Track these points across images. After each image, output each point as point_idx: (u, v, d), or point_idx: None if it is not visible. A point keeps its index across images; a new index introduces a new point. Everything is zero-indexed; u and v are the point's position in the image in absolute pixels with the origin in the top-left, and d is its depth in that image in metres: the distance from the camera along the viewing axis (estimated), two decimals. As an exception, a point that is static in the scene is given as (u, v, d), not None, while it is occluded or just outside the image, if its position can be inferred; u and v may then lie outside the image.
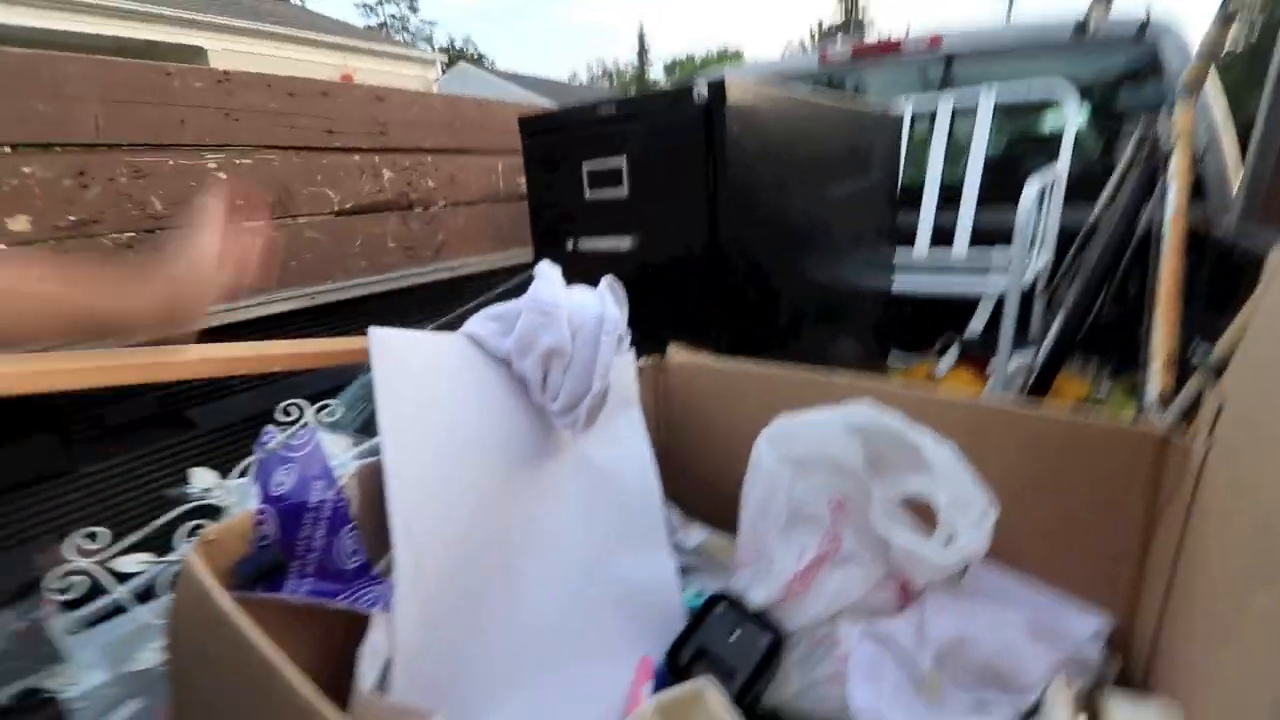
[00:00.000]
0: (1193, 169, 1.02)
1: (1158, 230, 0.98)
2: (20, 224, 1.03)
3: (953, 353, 1.78)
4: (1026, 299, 1.65)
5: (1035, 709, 0.47)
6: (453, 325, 0.69)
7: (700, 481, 0.75)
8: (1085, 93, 1.89)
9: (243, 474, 1.00)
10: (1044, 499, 0.55)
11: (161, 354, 0.95)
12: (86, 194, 1.09)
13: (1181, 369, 0.85)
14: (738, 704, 0.48)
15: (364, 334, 0.73)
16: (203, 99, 1.23)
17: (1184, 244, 0.93)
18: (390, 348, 0.51)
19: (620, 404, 0.70)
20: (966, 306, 1.85)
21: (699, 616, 0.58)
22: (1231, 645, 0.34)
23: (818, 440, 0.57)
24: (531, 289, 0.59)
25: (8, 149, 1.03)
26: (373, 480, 0.54)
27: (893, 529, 0.52)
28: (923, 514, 0.55)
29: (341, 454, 0.92)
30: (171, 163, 1.19)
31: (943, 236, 1.73)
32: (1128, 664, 0.51)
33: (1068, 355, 1.17)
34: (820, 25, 30.23)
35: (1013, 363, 1.42)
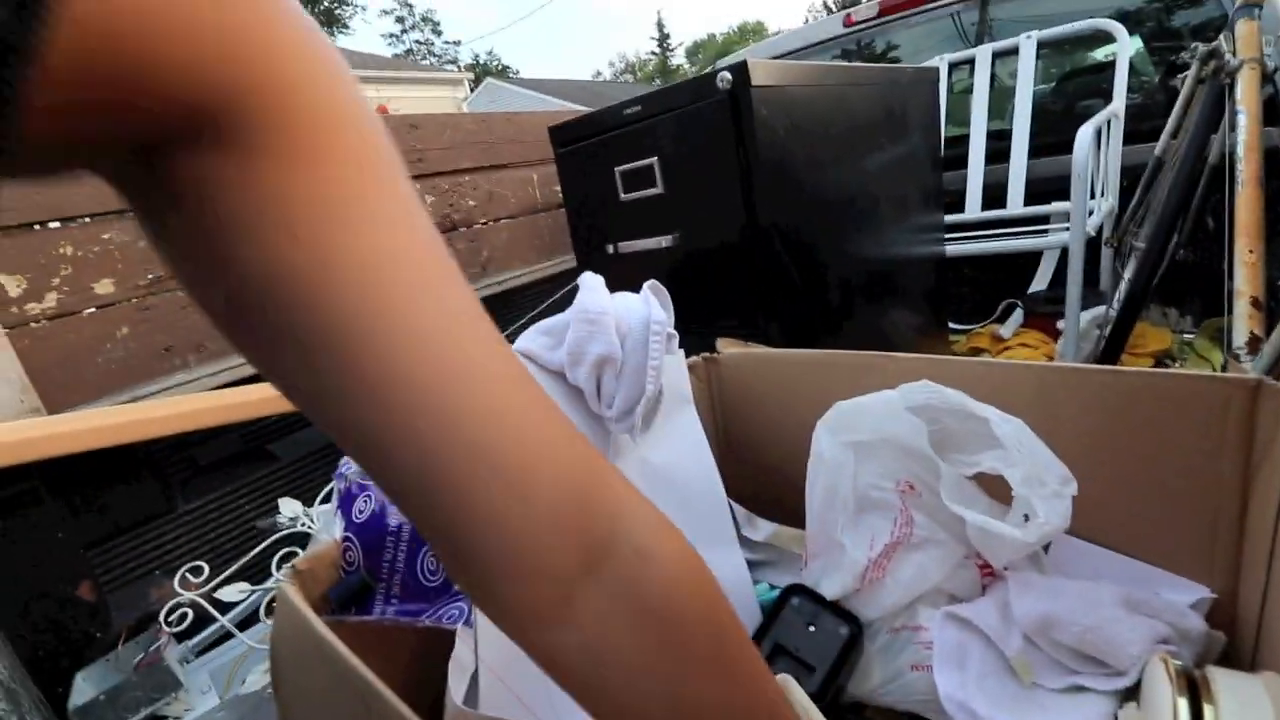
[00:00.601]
0: (1264, 89, 0.94)
1: (1231, 160, 0.91)
2: (105, 287, 1.11)
3: (1018, 314, 1.70)
4: (1093, 249, 1.56)
5: (1134, 690, 0.44)
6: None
7: (762, 474, 0.75)
8: (1135, 19, 1.77)
9: (325, 500, 1.05)
10: (1126, 465, 0.52)
11: (241, 394, 1.02)
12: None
13: (1271, 310, 0.79)
14: (819, 700, 0.48)
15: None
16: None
17: (1260, 173, 0.86)
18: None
19: (675, 403, 0.70)
20: (1028, 265, 1.76)
21: (774, 611, 0.58)
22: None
23: (878, 423, 0.56)
24: (577, 299, 0.60)
25: (87, 219, 1.12)
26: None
27: (966, 508, 0.50)
28: (999, 489, 0.53)
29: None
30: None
31: (997, 195, 1.65)
32: (1232, 640, 0.48)
33: (1142, 305, 1.10)
34: (843, -12, 29.22)
35: (1083, 319, 1.35)
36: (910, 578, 0.56)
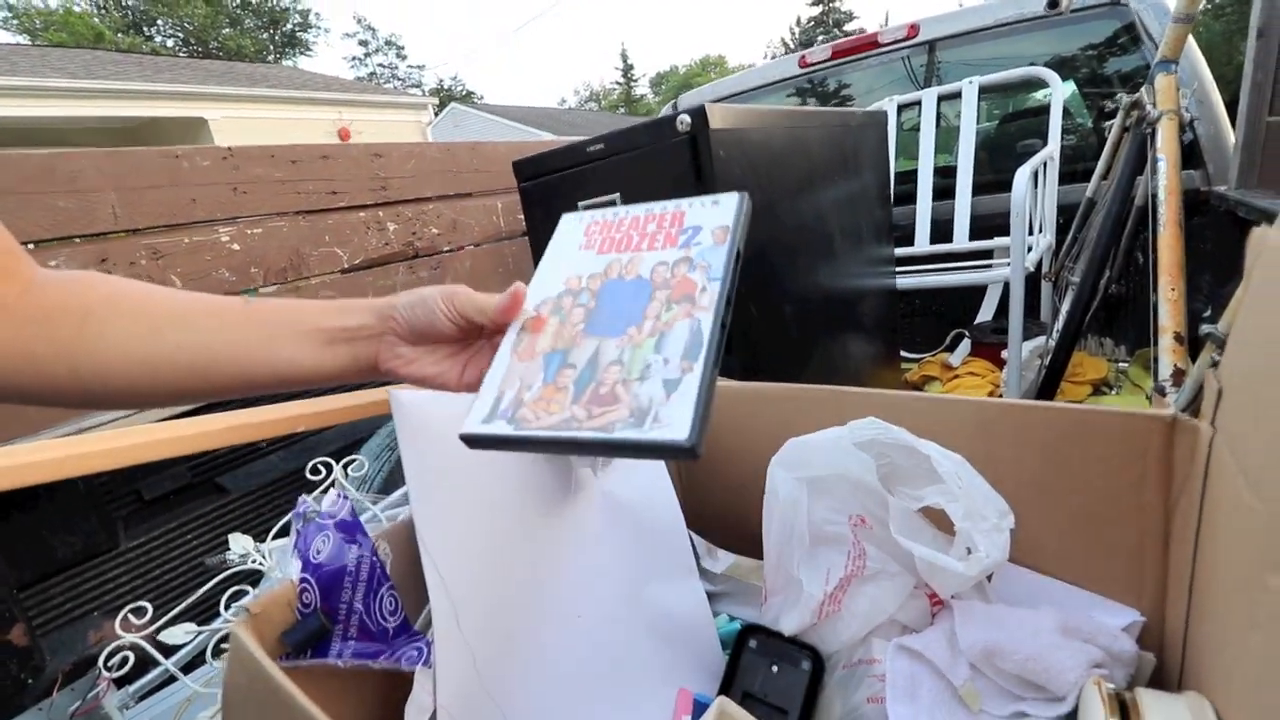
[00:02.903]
0: (1182, 138, 1.02)
1: (1153, 203, 0.99)
2: (49, 316, 1.07)
3: (966, 344, 1.78)
4: (1034, 283, 1.64)
5: (1073, 715, 0.47)
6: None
7: (721, 507, 0.76)
8: (1070, 65, 1.90)
9: (278, 535, 1.03)
10: (1058, 495, 0.55)
11: (194, 425, 0.99)
12: (108, 280, 1.14)
13: (1193, 342, 0.84)
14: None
15: (379, 387, 0.75)
16: (210, 176, 1.28)
17: (1180, 217, 0.93)
18: (411, 408, 0.53)
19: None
20: (975, 296, 1.84)
21: (734, 657, 0.59)
22: (1252, 634, 0.35)
23: (829, 459, 0.58)
24: (538, 338, 0.61)
25: (31, 246, 1.08)
26: (405, 537, 0.56)
27: (913, 542, 0.53)
28: (946, 520, 0.56)
29: (373, 510, 0.95)
30: (187, 240, 1.23)
31: (945, 229, 1.73)
32: (1162, 662, 0.51)
33: (1078, 337, 1.17)
34: (799, 21, 30.37)
35: (1026, 349, 1.42)
36: (865, 610, 0.58)
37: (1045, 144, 1.50)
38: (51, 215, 1.08)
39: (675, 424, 0.32)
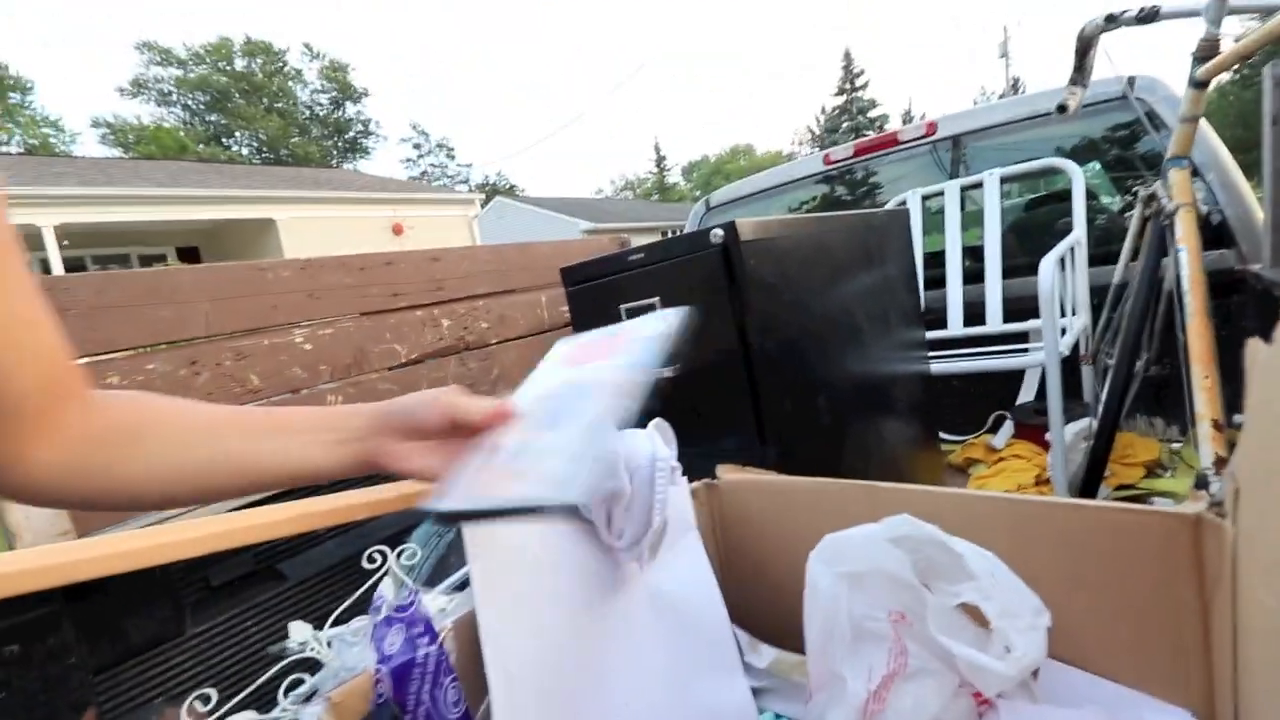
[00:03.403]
0: (1211, 219, 1.05)
1: (1179, 294, 1.01)
2: (144, 416, 1.19)
3: (1009, 425, 1.76)
4: (1073, 365, 1.64)
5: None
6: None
7: (762, 600, 0.78)
8: (1095, 149, 1.96)
9: (336, 623, 1.07)
10: (1096, 592, 0.56)
11: (263, 514, 1.07)
12: (198, 379, 1.26)
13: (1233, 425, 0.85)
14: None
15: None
16: (289, 285, 1.42)
17: (1206, 306, 0.95)
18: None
19: (680, 531, 0.75)
20: (1015, 376, 1.84)
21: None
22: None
23: (867, 555, 0.61)
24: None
25: (131, 351, 1.21)
26: (466, 630, 0.60)
27: (952, 639, 0.54)
28: (984, 618, 0.57)
29: (442, 603, 0.99)
30: (266, 342, 1.36)
31: (979, 312, 1.77)
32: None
33: (1118, 420, 1.17)
34: (824, 110, 31.67)
35: (1069, 432, 1.41)
36: (909, 709, 0.59)
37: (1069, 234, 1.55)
38: (155, 324, 1.22)
39: (567, 487, 0.40)
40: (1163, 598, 0.53)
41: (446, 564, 1.43)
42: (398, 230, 11.68)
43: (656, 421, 0.70)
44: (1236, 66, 1.02)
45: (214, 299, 1.30)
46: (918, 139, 2.04)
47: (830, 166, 2.24)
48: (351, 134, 29.50)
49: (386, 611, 0.55)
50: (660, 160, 41.72)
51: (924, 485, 0.68)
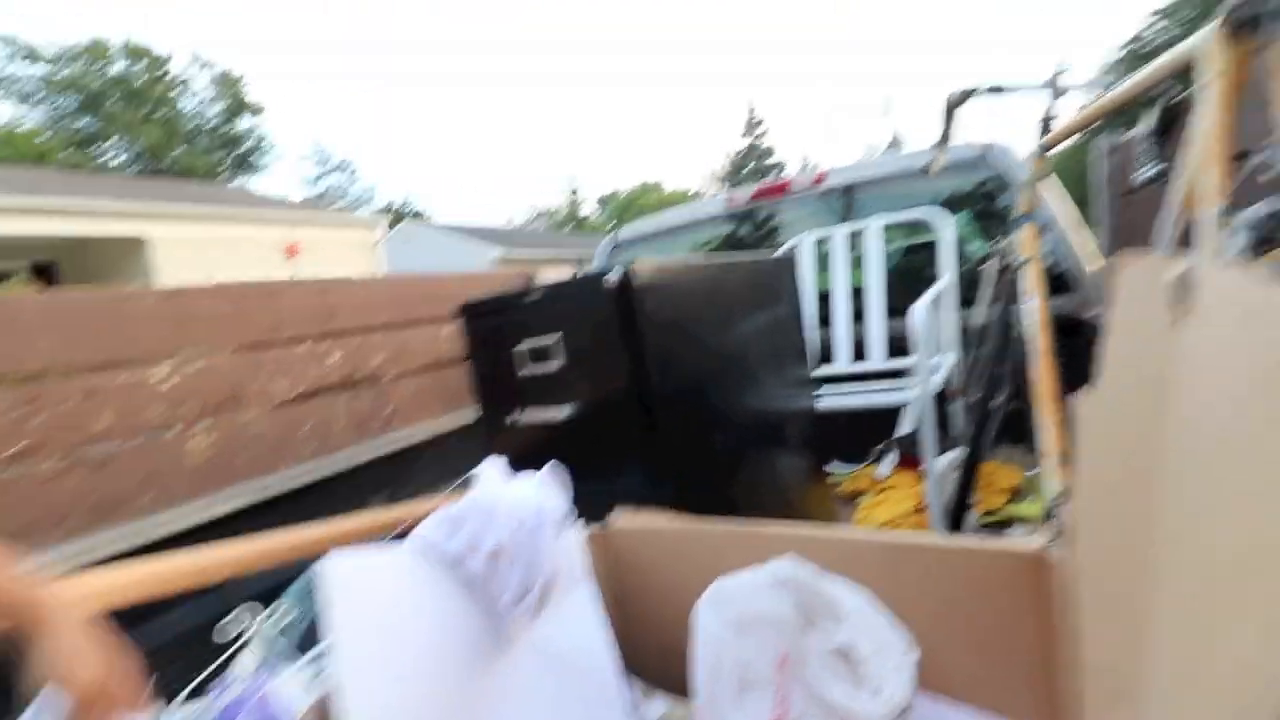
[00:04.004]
0: (1046, 278, 1.18)
1: (1028, 338, 1.13)
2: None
3: (892, 456, 1.88)
4: (946, 400, 1.78)
5: None
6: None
7: (658, 646, 0.77)
8: (967, 200, 2.17)
9: (189, 698, 0.96)
10: (958, 626, 0.60)
11: (103, 578, 0.94)
12: (31, 423, 1.11)
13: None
14: None
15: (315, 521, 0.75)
16: (155, 315, 1.29)
17: (1051, 348, 1.06)
18: (340, 575, 0.54)
19: (571, 582, 0.74)
20: (897, 411, 1.97)
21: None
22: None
23: (752, 599, 0.62)
24: (475, 491, 0.64)
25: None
26: (331, 709, 0.56)
27: (826, 685, 0.56)
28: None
29: (308, 674, 0.91)
30: (122, 379, 1.23)
31: (865, 349, 1.89)
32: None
33: (981, 452, 1.27)
34: (729, 155, 33.30)
35: (942, 463, 1.52)
36: (792, 751, 0.60)
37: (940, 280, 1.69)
38: (-21, 359, 1.07)
39: None
40: (1013, 627, 0.58)
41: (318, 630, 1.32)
42: (291, 252, 11.01)
43: (548, 467, 0.69)
44: (1079, 134, 1.15)
45: (62, 330, 1.16)
46: (808, 187, 2.18)
47: (732, 209, 2.35)
48: (243, 149, 27.75)
49: (231, 696, 0.49)
50: (574, 191, 42.11)
51: (809, 525, 0.70)
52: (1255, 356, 0.24)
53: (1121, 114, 1.22)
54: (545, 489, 0.66)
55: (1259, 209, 0.51)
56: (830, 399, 1.64)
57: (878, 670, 0.53)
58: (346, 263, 12.03)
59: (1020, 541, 0.57)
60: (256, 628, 0.92)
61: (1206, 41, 0.60)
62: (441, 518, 0.65)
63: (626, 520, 0.83)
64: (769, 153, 31.86)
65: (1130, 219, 1.46)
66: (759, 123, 31.68)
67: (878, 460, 1.91)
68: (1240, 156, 0.66)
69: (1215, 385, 0.27)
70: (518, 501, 0.64)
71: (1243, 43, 0.58)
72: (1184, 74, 0.70)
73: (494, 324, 1.07)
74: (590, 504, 0.88)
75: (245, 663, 0.68)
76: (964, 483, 1.26)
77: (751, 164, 31.25)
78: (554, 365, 1.00)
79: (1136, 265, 0.37)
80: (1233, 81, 0.58)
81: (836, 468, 2.05)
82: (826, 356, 1.97)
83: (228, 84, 26.43)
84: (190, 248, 9.69)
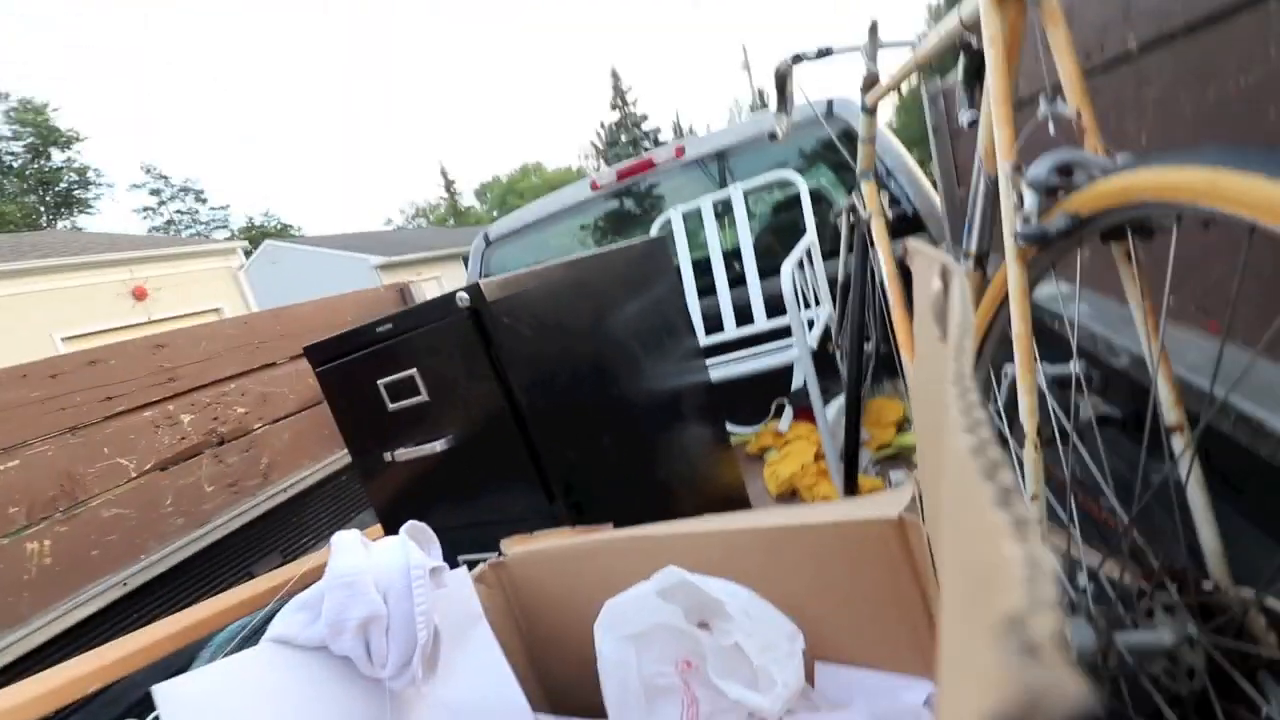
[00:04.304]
0: (902, 218, 1.23)
1: (881, 289, 1.18)
2: None
3: (789, 411, 1.95)
4: (829, 352, 1.86)
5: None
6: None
7: (568, 671, 0.76)
8: (822, 156, 2.25)
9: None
10: (844, 595, 0.62)
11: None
12: None
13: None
14: None
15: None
16: (-61, 416, 1.11)
17: (902, 296, 1.12)
18: (183, 703, 0.48)
19: (465, 626, 0.70)
20: (789, 368, 2.04)
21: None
22: None
23: (643, 614, 0.61)
24: (329, 565, 0.58)
25: None
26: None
27: (725, 683, 0.56)
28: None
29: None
30: (-92, 499, 1.05)
31: (748, 313, 1.93)
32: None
33: (859, 394, 1.34)
34: (603, 125, 33.04)
35: (831, 410, 1.59)
36: (707, 752, 0.60)
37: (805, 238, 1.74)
38: None
39: None
40: (890, 587, 0.60)
41: None
42: (140, 295, 9.94)
43: (408, 526, 0.65)
44: (897, 88, 1.20)
45: None
46: (669, 161, 2.18)
47: (598, 192, 2.31)
48: (63, 185, 24.45)
49: None
50: (450, 184, 40.42)
51: (692, 520, 0.70)
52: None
53: (937, 65, 1.28)
54: (409, 546, 0.62)
55: (1040, 166, 0.54)
56: (723, 368, 1.66)
57: (769, 663, 0.54)
58: (207, 297, 10.99)
59: (882, 506, 0.59)
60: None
61: (981, 3, 0.62)
62: (298, 604, 0.59)
63: (518, 547, 0.80)
64: (644, 118, 31.88)
65: (961, 159, 1.56)
66: (628, 90, 31.55)
67: (777, 416, 1.98)
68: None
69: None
70: (381, 566, 0.59)
71: (1011, 2, 0.60)
72: (976, 26, 0.72)
73: (345, 365, 1.00)
74: (490, 533, 0.84)
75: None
76: (851, 428, 1.32)
77: (625, 135, 31.18)
78: (419, 398, 0.94)
79: (923, 251, 0.37)
80: (1010, 40, 0.61)
81: (740, 430, 2.11)
82: (714, 326, 2.00)
83: (29, 113, 23.07)
84: (18, 308, 8.52)
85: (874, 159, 1.27)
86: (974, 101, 1.00)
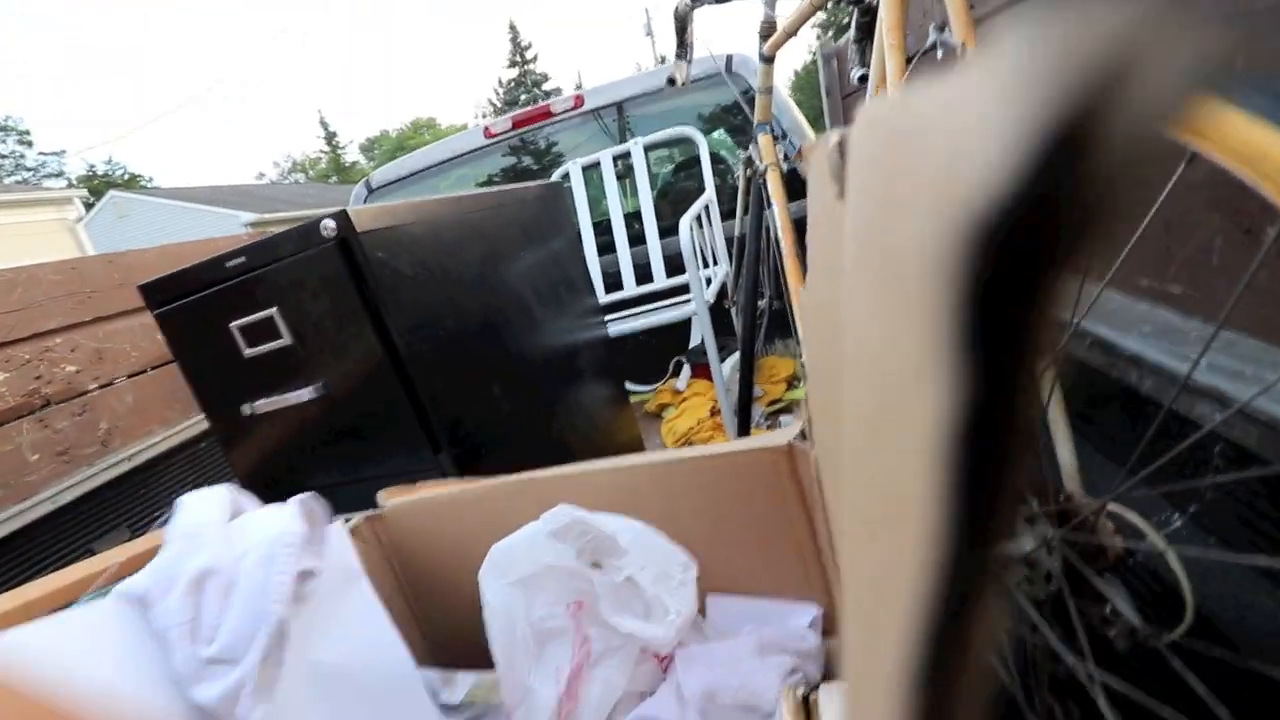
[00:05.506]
0: (790, 181, 1.24)
1: (775, 240, 1.19)
2: None
3: (686, 369, 1.96)
4: (725, 309, 1.88)
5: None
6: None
7: (457, 624, 0.71)
8: (723, 115, 2.24)
9: None
10: (735, 526, 0.61)
11: None
12: None
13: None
14: None
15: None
16: None
17: (795, 247, 1.14)
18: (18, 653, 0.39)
19: (342, 583, 0.64)
20: (686, 325, 2.05)
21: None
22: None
23: (533, 556, 0.58)
24: (169, 524, 0.50)
25: None
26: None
27: (621, 616, 0.54)
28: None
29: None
30: None
31: (648, 272, 1.91)
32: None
33: (753, 350, 1.37)
34: (501, 83, 31.68)
35: (727, 367, 1.61)
36: (600, 695, 0.58)
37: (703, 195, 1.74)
38: None
39: None
40: (779, 516, 0.60)
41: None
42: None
43: (301, 498, 0.57)
44: (791, 38, 1.19)
45: None
46: (568, 111, 2.10)
47: (492, 140, 2.19)
48: None
49: None
50: (331, 137, 37.32)
51: (580, 463, 0.67)
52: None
53: (832, 17, 1.29)
54: (293, 516, 0.54)
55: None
56: (621, 324, 1.64)
57: (662, 593, 0.53)
58: (40, 253, 9.54)
59: (772, 437, 0.58)
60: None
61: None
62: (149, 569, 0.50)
63: (396, 498, 0.74)
64: (544, 78, 30.84)
65: (852, 119, 1.59)
66: (526, 47, 30.32)
67: (675, 374, 1.99)
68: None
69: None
70: (248, 525, 0.51)
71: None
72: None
73: (191, 305, 0.87)
74: (369, 489, 0.77)
75: None
76: (744, 381, 1.34)
77: (524, 94, 30.06)
78: (281, 341, 0.84)
79: (817, 146, 0.35)
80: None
81: (639, 389, 2.11)
82: (614, 284, 1.97)
83: None
84: None
85: (770, 111, 1.27)
86: (865, 60, 1.01)
